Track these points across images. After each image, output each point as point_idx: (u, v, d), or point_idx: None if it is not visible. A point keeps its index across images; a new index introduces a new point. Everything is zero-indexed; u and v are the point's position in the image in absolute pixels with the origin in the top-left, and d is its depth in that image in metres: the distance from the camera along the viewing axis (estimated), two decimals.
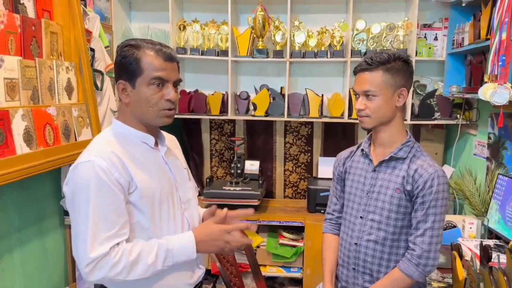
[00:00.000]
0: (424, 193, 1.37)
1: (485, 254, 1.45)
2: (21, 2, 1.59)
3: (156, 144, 1.28)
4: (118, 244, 1.10)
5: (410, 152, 1.44)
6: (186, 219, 1.29)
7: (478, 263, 1.47)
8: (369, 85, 1.38)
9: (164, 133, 1.37)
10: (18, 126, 1.42)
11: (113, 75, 2.57)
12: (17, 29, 1.51)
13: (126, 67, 1.16)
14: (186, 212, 1.30)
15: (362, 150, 1.54)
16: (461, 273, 1.36)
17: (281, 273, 2.59)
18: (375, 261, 1.46)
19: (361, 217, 1.49)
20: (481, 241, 1.58)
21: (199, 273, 1.34)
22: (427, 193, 1.37)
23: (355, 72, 1.45)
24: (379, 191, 1.46)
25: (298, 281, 2.65)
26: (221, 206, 2.67)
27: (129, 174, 1.14)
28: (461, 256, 1.45)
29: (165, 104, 1.18)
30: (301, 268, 2.57)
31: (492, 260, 1.46)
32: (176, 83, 1.22)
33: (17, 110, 1.43)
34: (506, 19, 1.69)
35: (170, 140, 1.40)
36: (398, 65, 1.39)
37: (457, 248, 1.46)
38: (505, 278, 1.27)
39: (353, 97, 2.27)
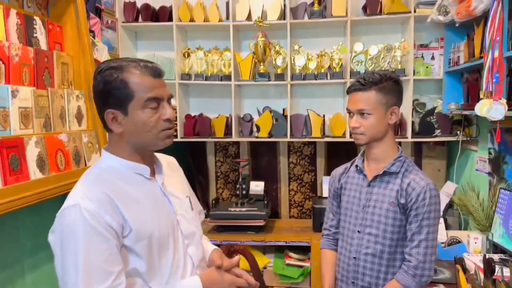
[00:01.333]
0: (418, 206, 1.43)
1: (488, 267, 1.47)
2: (34, 35, 1.68)
3: (153, 173, 1.16)
4: None
5: (402, 167, 1.50)
6: (189, 256, 1.17)
7: (482, 276, 1.49)
8: (364, 104, 1.46)
9: (161, 155, 1.25)
10: (32, 152, 1.49)
11: None
12: (31, 61, 1.60)
13: (112, 93, 1.03)
14: (189, 249, 1.18)
15: (357, 166, 1.60)
16: (465, 286, 1.38)
17: None
18: (373, 274, 1.51)
19: (358, 231, 1.54)
20: (484, 255, 1.60)
21: None
22: (420, 205, 1.43)
23: (349, 91, 1.53)
24: (374, 205, 1.51)
25: None
26: (227, 227, 2.70)
27: (121, 216, 1.02)
28: (464, 270, 1.47)
29: (164, 124, 1.08)
30: None
31: (496, 273, 1.48)
32: (169, 100, 1.11)
33: (30, 137, 1.50)
34: (498, 38, 1.75)
35: (169, 164, 1.28)
36: (389, 85, 1.47)
37: (461, 261, 1.49)
38: None
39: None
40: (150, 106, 1.05)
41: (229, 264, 1.19)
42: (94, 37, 2.18)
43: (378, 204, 1.50)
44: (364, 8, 2.64)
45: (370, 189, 1.54)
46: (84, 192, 1.01)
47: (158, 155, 1.23)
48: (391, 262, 1.49)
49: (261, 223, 2.57)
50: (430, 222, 1.43)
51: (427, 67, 2.58)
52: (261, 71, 2.68)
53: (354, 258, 1.54)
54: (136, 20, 2.74)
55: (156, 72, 1.07)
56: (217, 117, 2.79)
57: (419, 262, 1.42)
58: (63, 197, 1.86)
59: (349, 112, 1.53)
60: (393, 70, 2.56)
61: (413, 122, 2.60)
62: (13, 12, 1.56)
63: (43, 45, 1.73)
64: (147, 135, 1.07)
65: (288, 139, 2.69)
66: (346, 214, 1.60)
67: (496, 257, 1.90)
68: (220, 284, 1.14)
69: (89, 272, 0.96)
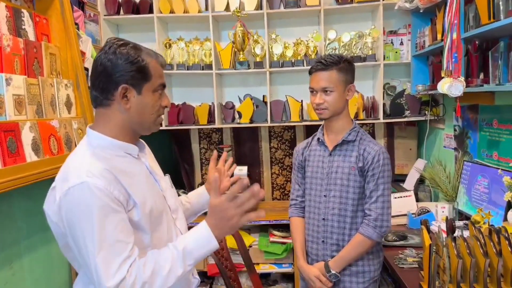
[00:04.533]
0: (373, 167, 1.64)
1: (449, 227, 1.64)
2: (23, 27, 1.76)
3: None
4: (131, 264, 1.02)
5: (357, 136, 1.71)
6: (178, 229, 1.24)
7: (444, 235, 1.66)
8: (327, 82, 1.64)
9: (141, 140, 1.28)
10: (27, 136, 1.58)
11: None
12: (21, 51, 1.68)
13: (135, 71, 1.08)
14: (177, 222, 1.25)
15: (318, 139, 1.78)
16: (427, 240, 1.55)
17: (273, 269, 2.74)
18: (340, 232, 1.70)
19: (324, 195, 1.73)
20: (447, 217, 1.77)
21: (195, 283, 1.31)
22: (375, 166, 1.64)
23: (311, 72, 1.70)
24: (336, 171, 1.71)
25: (289, 276, 2.80)
26: None
27: (125, 191, 1.06)
28: (428, 230, 1.64)
29: (162, 110, 1.16)
30: (291, 263, 2.72)
31: (456, 233, 1.65)
32: None
33: (25, 122, 1.59)
34: (455, 21, 1.92)
35: (146, 146, 1.31)
36: (346, 65, 1.66)
37: (425, 222, 1.65)
38: (465, 243, 1.46)
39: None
40: (158, 91, 1.14)
41: (215, 186, 1.10)
42: (78, 29, 2.26)
43: (339, 170, 1.70)
44: None
45: (331, 157, 1.73)
46: (88, 170, 1.02)
47: None
48: (354, 219, 1.70)
49: None
50: (385, 180, 1.66)
51: (396, 52, 2.75)
52: (241, 60, 2.80)
53: (323, 219, 1.73)
54: (118, 13, 2.82)
55: (163, 63, 1.17)
56: (200, 105, 2.90)
57: (378, 215, 1.64)
58: None
59: (312, 90, 1.69)
60: (365, 55, 2.71)
61: (384, 105, 2.76)
62: (2, 5, 1.64)
63: (31, 37, 1.81)
64: (149, 117, 1.13)
65: (269, 124, 2.82)
66: (312, 182, 1.78)
67: (461, 223, 2.08)
68: (222, 213, 1.07)
69: (107, 247, 0.99)
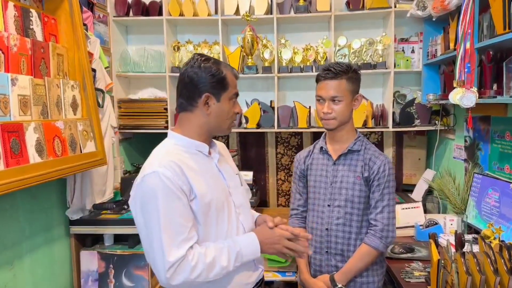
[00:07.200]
0: (379, 177, 1.63)
1: (458, 241, 1.59)
2: (31, 27, 1.76)
3: (209, 152, 1.37)
4: (191, 247, 1.19)
5: (362, 145, 1.68)
6: (241, 223, 1.37)
7: (453, 250, 1.62)
8: (336, 91, 1.61)
9: (215, 141, 1.46)
10: (31, 137, 1.57)
11: (112, 94, 2.69)
12: (28, 52, 1.67)
13: (215, 82, 1.29)
14: (241, 217, 1.38)
15: (321, 147, 1.75)
16: (436, 255, 1.51)
17: (277, 277, 2.70)
18: (344, 242, 1.67)
19: (328, 205, 1.69)
20: (456, 230, 1.73)
21: (259, 271, 1.43)
22: (381, 176, 1.63)
23: (319, 79, 1.66)
24: (341, 180, 1.68)
25: (293, 285, 2.76)
26: None
27: (188, 183, 1.22)
28: (437, 244, 1.59)
29: (235, 116, 1.37)
30: (295, 272, 2.68)
31: (466, 248, 1.60)
32: None
33: (29, 123, 1.57)
34: (469, 30, 1.88)
35: (221, 147, 1.49)
36: (354, 74, 1.64)
37: (434, 237, 1.61)
38: (474, 259, 1.41)
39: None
40: (233, 99, 1.35)
41: (278, 221, 1.39)
42: (86, 30, 2.25)
43: (344, 179, 1.67)
44: (347, 4, 2.75)
45: (336, 167, 1.70)
46: (160, 162, 1.23)
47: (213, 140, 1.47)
48: (358, 229, 1.67)
49: None
50: (390, 190, 1.64)
51: (407, 60, 2.71)
52: (249, 64, 2.78)
53: (327, 229, 1.69)
54: (127, 14, 2.81)
55: (237, 75, 1.38)
56: None
57: (384, 225, 1.62)
58: (60, 181, 1.97)
59: (320, 99, 1.66)
60: (375, 63, 2.68)
61: (394, 113, 2.72)
62: (10, 4, 1.64)
63: (39, 37, 1.80)
64: (224, 121, 1.34)
65: (276, 129, 2.79)
66: (315, 192, 1.74)
67: (470, 236, 2.03)
68: (271, 238, 1.33)
69: (170, 226, 1.17)
